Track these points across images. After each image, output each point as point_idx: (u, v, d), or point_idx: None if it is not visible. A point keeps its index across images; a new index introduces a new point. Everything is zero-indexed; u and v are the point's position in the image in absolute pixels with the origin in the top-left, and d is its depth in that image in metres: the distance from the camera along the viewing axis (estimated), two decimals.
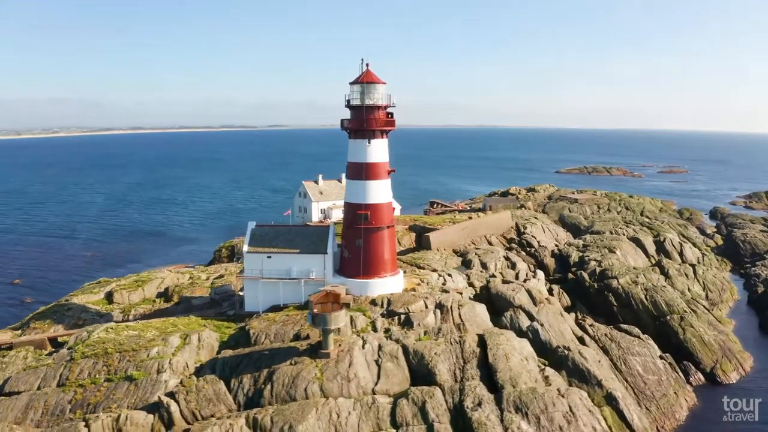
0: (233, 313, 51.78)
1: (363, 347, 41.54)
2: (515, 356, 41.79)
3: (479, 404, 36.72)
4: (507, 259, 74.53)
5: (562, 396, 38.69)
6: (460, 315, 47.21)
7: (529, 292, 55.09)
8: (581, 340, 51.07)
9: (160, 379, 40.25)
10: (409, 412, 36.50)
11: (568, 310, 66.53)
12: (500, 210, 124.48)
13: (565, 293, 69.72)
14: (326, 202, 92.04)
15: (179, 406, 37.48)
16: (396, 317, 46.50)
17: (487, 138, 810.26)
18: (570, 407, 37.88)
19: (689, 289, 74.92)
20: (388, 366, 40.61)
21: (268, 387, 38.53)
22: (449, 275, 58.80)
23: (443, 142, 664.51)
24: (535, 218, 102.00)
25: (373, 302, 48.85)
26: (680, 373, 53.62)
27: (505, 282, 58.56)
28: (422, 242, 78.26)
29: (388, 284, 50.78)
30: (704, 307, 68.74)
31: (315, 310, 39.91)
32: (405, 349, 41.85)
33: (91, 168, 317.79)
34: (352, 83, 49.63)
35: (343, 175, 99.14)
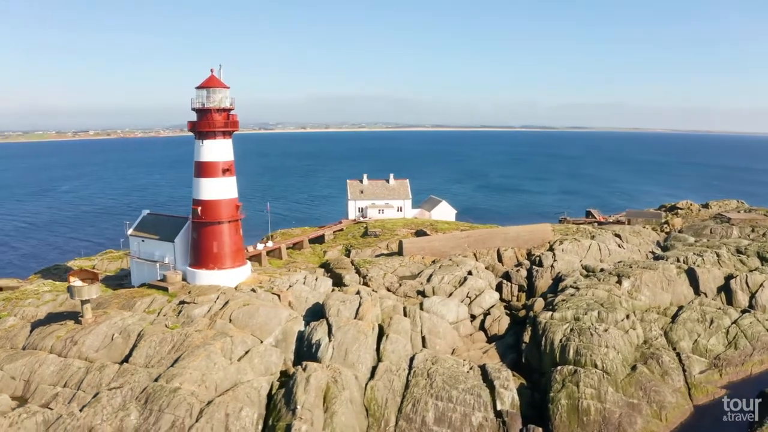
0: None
1: (114, 323, 46.78)
2: (209, 360, 41.44)
3: (114, 389, 39.00)
4: (470, 273, 66.61)
5: (206, 402, 37.76)
6: (231, 315, 47.82)
7: (360, 305, 50.83)
8: (374, 369, 45.52)
9: (7, 319, 52.50)
10: (76, 378, 41.27)
11: (494, 339, 57.76)
12: (640, 223, 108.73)
13: (507, 319, 60.09)
14: (365, 200, 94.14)
15: None
16: (182, 305, 49.83)
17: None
18: (196, 420, 36.81)
19: (696, 341, 55.82)
20: (117, 341, 45.24)
21: (35, 337, 47.35)
22: (316, 279, 57.60)
23: (711, 150, 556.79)
24: (617, 235, 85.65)
25: (190, 291, 52.75)
26: None
27: (357, 293, 54.48)
28: (398, 248, 75.20)
29: (219, 277, 53.80)
30: (681, 365, 51.49)
31: (69, 283, 46.97)
32: (140, 331, 45.61)
33: (343, 159, 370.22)
34: (197, 87, 53.93)
35: (392, 175, 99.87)
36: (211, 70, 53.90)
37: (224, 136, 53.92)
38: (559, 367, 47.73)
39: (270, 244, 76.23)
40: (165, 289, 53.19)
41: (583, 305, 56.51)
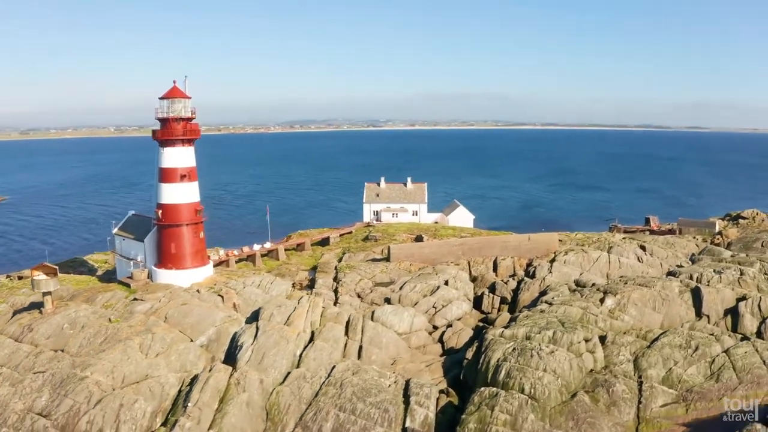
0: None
1: (68, 314, 50.75)
2: (124, 354, 43.84)
3: (39, 373, 42.58)
4: (446, 283, 64.40)
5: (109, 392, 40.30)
6: (167, 313, 50.01)
7: (293, 310, 51.03)
8: (288, 375, 45.61)
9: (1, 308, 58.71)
10: (17, 361, 45.20)
11: (450, 353, 55.69)
12: (691, 233, 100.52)
13: (470, 332, 57.62)
14: (380, 204, 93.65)
15: None
16: (133, 301, 52.94)
17: None
18: (93, 407, 39.47)
19: (671, 369, 49.92)
20: (66, 331, 49.02)
21: (8, 322, 52.48)
22: (271, 282, 58.53)
23: None
24: (642, 247, 78.74)
25: (148, 289, 55.84)
26: None
27: (300, 298, 54.57)
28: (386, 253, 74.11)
29: (176, 276, 56.48)
30: (638, 396, 46.48)
31: (32, 277, 51.62)
32: (84, 323, 49.20)
33: (434, 157, 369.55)
34: (160, 98, 56.89)
35: (409, 179, 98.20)
36: (174, 82, 56.72)
37: (184, 143, 56.50)
38: (481, 389, 45.02)
39: (268, 244, 78.45)
40: (129, 286, 56.83)
41: (542, 323, 52.53)
